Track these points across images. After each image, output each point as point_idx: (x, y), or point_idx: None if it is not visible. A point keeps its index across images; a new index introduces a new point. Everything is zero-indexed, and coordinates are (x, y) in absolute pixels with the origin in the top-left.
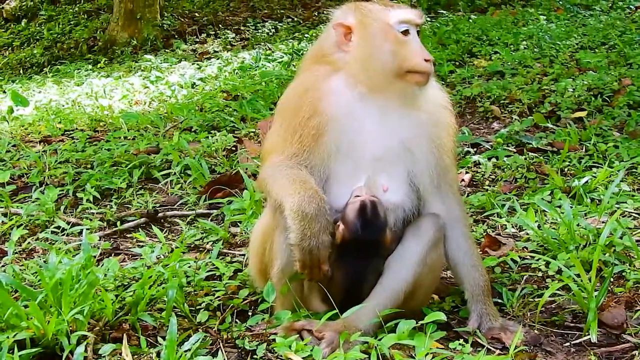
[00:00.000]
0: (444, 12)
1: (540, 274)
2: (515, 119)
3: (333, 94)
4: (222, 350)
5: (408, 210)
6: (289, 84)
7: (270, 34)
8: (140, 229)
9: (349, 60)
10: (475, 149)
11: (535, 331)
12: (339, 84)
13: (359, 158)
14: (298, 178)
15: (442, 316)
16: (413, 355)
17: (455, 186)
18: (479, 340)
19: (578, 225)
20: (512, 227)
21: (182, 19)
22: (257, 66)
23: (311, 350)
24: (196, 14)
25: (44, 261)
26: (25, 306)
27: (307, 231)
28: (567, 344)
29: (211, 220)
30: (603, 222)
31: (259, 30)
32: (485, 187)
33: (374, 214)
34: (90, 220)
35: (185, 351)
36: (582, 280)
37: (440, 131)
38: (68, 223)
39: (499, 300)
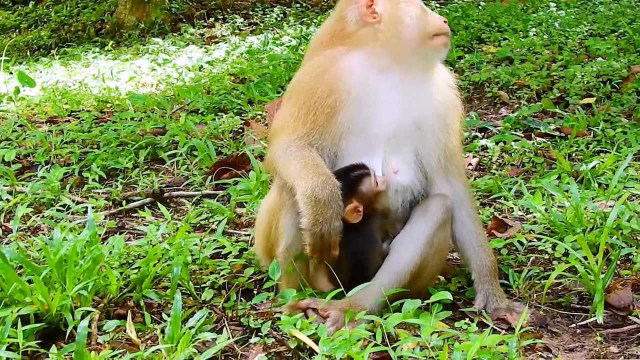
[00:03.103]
0: None
1: (546, 257)
2: (524, 105)
3: (353, 71)
4: (226, 328)
5: (417, 192)
6: (300, 68)
7: (279, 19)
8: (146, 208)
9: (375, 32)
10: (482, 134)
11: (541, 312)
12: (359, 61)
13: (371, 137)
14: (310, 161)
15: (448, 296)
16: (418, 334)
17: (461, 168)
18: (484, 321)
19: (585, 208)
20: (519, 210)
21: (191, 3)
22: (265, 50)
23: (316, 329)
24: None
25: (50, 238)
26: (30, 282)
27: (320, 217)
28: (573, 325)
29: (217, 200)
30: (610, 206)
31: (267, 15)
32: (493, 171)
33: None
34: (96, 199)
35: (190, 328)
36: (588, 263)
37: (449, 112)
38: (73, 201)
39: (506, 282)
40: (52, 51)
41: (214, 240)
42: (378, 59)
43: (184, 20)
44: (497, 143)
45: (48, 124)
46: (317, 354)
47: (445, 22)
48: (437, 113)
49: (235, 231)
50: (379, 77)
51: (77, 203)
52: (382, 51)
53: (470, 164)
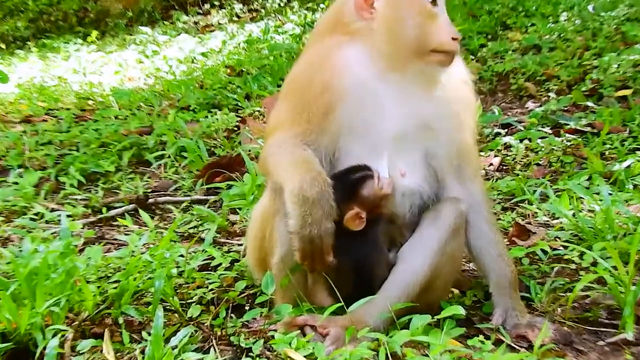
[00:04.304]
0: None
1: (573, 266)
2: (552, 98)
3: (348, 67)
4: (214, 347)
5: (426, 197)
6: (298, 59)
7: (282, 4)
8: (128, 216)
9: (370, 30)
10: (506, 130)
11: (566, 328)
12: (355, 56)
13: (374, 138)
14: (301, 158)
15: (461, 310)
16: (427, 353)
17: (477, 168)
18: (502, 338)
19: (617, 212)
20: (544, 215)
21: None
22: (266, 39)
23: (313, 348)
24: None
25: (20, 249)
26: None
27: (308, 217)
28: (601, 342)
29: (208, 207)
30: None
31: (269, 1)
32: (516, 172)
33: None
34: (74, 206)
35: (173, 348)
36: (618, 273)
37: (461, 108)
38: (48, 209)
39: (527, 295)
40: (29, 43)
41: (203, 250)
42: (373, 58)
43: (176, 7)
44: (521, 140)
45: (22, 123)
46: None
47: (455, 38)
48: (448, 110)
49: (227, 240)
50: (377, 75)
51: (53, 211)
52: (376, 52)
53: (491, 164)
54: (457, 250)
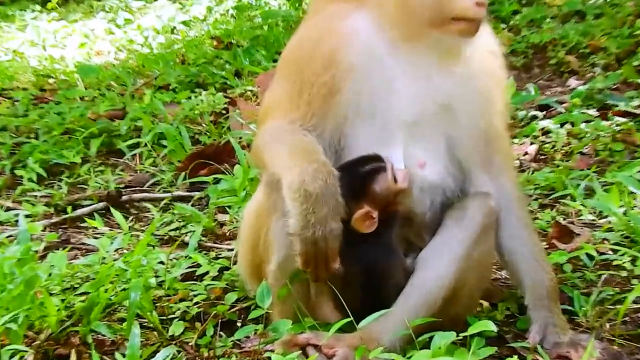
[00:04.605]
0: None
1: (624, 274)
2: (598, 74)
3: (355, 38)
4: None
5: (450, 192)
6: (297, 30)
7: None
8: (97, 216)
9: None
10: (544, 112)
11: (616, 347)
12: (364, 25)
13: (387, 123)
14: (301, 146)
15: (492, 326)
16: None
17: (509, 158)
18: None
19: None
20: (590, 213)
21: None
22: (259, 5)
23: None
24: None
25: None
26: None
27: (311, 216)
28: None
29: (192, 205)
30: None
31: None
32: (556, 162)
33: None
34: (33, 205)
35: None
36: None
37: (489, 86)
38: (2, 207)
39: (569, 307)
40: None
41: (186, 256)
42: (385, 27)
43: None
44: (562, 125)
45: None
46: None
47: (479, 3)
48: (473, 88)
49: (214, 245)
50: (390, 46)
51: (8, 210)
52: (389, 20)
53: (526, 153)
54: (486, 254)
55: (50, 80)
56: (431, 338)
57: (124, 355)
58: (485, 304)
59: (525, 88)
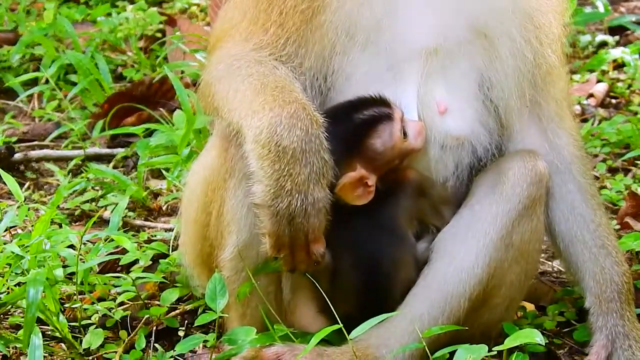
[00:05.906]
0: None
1: None
2: None
3: None
4: None
5: (482, 150)
6: None
7: None
8: None
9: None
10: (616, 37)
11: None
12: None
13: (392, 50)
14: (272, 83)
15: (537, 338)
16: None
17: (565, 105)
18: None
19: None
20: None
21: None
22: None
23: None
24: None
25: None
26: None
27: (286, 181)
28: None
29: (114, 167)
30: None
31: None
32: (633, 109)
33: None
34: None
35: None
36: None
37: (540, 2)
38: None
39: None
40: None
41: (107, 239)
42: None
43: None
44: None
45: None
46: None
47: None
48: (514, 7)
49: (146, 223)
50: None
51: None
52: None
53: (590, 96)
54: (531, 239)
55: None
56: (452, 353)
57: None
58: (530, 307)
59: (592, 2)
